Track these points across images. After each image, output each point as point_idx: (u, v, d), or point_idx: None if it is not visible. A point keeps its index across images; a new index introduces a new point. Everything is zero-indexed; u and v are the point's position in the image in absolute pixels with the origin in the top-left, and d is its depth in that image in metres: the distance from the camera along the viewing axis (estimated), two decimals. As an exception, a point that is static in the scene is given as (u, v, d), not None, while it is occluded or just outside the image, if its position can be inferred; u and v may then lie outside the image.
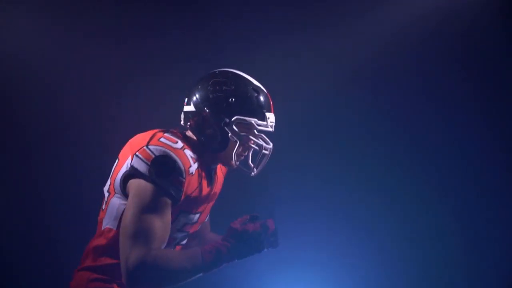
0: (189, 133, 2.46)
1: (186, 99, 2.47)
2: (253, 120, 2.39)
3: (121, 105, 4.00)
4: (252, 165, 2.48)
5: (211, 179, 2.49)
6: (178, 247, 2.52)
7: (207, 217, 2.68)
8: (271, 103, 2.48)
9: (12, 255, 3.89)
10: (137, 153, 2.25)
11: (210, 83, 2.41)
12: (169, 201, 2.23)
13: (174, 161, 2.23)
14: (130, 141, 2.38)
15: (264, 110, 2.43)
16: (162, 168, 2.21)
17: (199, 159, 2.38)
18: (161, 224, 2.19)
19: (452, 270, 4.08)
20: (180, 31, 4.07)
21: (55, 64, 3.92)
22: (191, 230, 2.51)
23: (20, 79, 3.89)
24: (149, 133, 2.33)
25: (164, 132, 2.35)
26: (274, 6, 4.11)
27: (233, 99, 2.38)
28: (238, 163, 2.46)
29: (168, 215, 2.23)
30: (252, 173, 2.47)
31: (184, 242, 2.56)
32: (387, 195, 4.13)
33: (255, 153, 2.50)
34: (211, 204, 2.59)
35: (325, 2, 4.11)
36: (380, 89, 4.16)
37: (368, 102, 4.16)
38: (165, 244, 2.24)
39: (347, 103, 4.16)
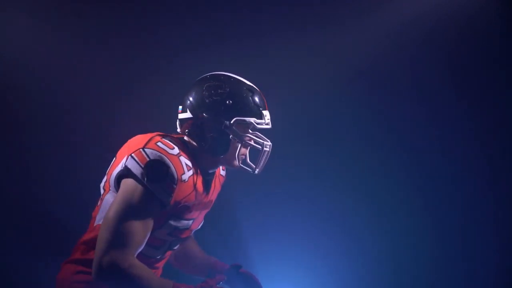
0: (187, 139, 2.47)
1: (181, 107, 2.48)
2: (252, 120, 2.42)
3: (121, 105, 4.00)
4: (254, 164, 2.50)
5: (207, 187, 2.50)
6: (169, 252, 2.54)
7: (200, 225, 2.66)
8: (265, 100, 2.52)
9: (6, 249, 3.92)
10: (132, 154, 2.28)
11: (204, 87, 2.42)
12: (156, 206, 2.26)
13: (168, 167, 2.26)
14: (129, 141, 2.40)
15: (261, 109, 2.46)
16: (155, 172, 2.24)
17: (195, 166, 2.40)
18: (142, 228, 2.23)
19: (445, 272, 4.10)
20: (180, 31, 4.07)
21: (53, 64, 3.92)
22: (183, 236, 2.51)
23: (19, 79, 3.89)
24: (148, 136, 2.35)
25: (163, 137, 2.36)
26: (274, 5, 4.11)
27: (230, 101, 2.40)
28: (240, 163, 2.48)
29: (151, 220, 2.26)
30: (256, 171, 2.49)
31: (176, 247, 2.57)
32: (383, 196, 4.15)
33: (253, 151, 2.52)
34: (205, 211, 2.60)
35: (325, 2, 4.11)
36: (379, 90, 4.16)
37: (367, 103, 4.16)
38: (140, 249, 2.26)
39: (346, 104, 4.16)
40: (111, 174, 2.34)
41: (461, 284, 4.08)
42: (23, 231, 3.93)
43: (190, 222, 2.49)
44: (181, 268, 2.80)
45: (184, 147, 2.40)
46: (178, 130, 2.50)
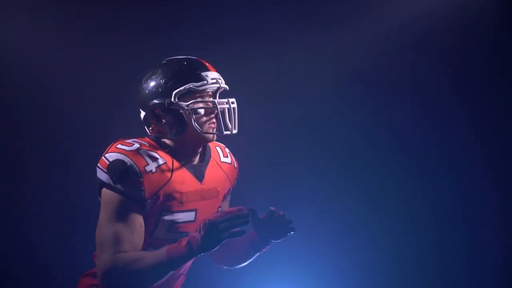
0: (156, 136, 2.45)
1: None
2: (191, 85, 2.37)
3: (121, 105, 3.98)
4: (229, 126, 2.44)
5: (197, 175, 2.46)
6: None
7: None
8: (207, 63, 2.47)
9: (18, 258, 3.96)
10: (98, 164, 2.33)
11: (142, 81, 2.44)
12: (134, 204, 2.28)
13: (126, 163, 2.28)
14: None
15: (198, 72, 2.41)
16: (116, 173, 2.27)
17: (168, 156, 2.38)
18: (127, 229, 2.25)
19: (446, 271, 4.10)
20: (180, 31, 4.07)
21: (53, 64, 3.93)
22: (192, 230, 2.42)
23: (19, 79, 3.91)
24: (112, 143, 2.38)
25: (126, 139, 2.38)
26: (274, 5, 4.11)
27: (164, 80, 2.39)
28: (211, 131, 2.41)
29: (136, 219, 2.28)
30: (226, 132, 2.43)
31: None
32: (383, 196, 4.15)
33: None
34: (211, 201, 2.51)
35: (325, 2, 4.12)
36: (379, 90, 4.16)
37: (367, 103, 4.16)
38: (139, 248, 2.27)
39: (346, 104, 4.17)
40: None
41: (463, 284, 4.08)
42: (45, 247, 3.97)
43: (192, 213, 2.44)
44: (225, 259, 2.71)
45: (152, 143, 2.40)
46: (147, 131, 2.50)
